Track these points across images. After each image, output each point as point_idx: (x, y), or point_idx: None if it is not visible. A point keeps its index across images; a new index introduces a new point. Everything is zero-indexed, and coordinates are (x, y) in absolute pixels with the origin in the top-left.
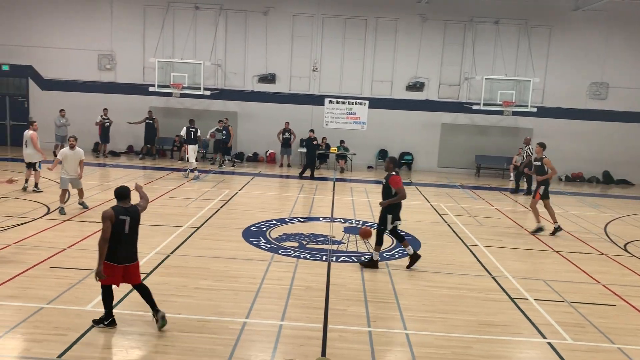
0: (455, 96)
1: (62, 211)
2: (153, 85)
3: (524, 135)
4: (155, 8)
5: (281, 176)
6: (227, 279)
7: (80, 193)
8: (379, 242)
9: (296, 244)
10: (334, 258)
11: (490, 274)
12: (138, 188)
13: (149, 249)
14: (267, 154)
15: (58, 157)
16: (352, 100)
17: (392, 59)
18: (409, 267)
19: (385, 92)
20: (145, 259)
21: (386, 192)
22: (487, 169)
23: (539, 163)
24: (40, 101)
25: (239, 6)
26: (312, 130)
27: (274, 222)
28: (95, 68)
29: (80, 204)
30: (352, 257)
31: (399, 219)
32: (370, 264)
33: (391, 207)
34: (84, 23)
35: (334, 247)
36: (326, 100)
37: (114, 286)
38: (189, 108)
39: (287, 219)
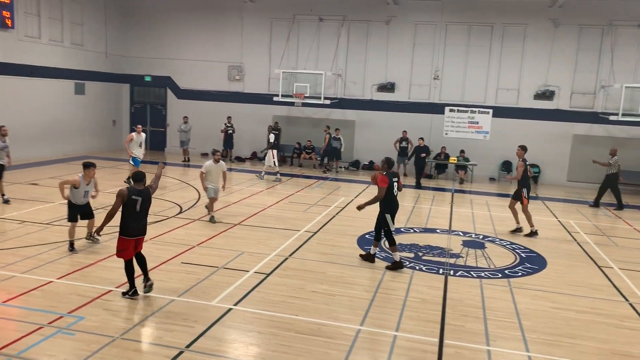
0: (589, 105)
1: (212, 219)
2: (277, 95)
3: None
4: (281, 21)
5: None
6: (342, 284)
7: (211, 205)
8: (392, 242)
9: (412, 255)
10: (452, 272)
11: (627, 300)
12: (160, 167)
13: (269, 250)
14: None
15: (202, 170)
16: (474, 109)
17: (519, 66)
18: (388, 267)
19: (511, 100)
20: (266, 260)
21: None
22: (624, 184)
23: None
24: (175, 109)
25: (362, 17)
26: (421, 138)
27: None
28: (225, 78)
29: (210, 218)
30: (471, 272)
31: (381, 219)
32: (367, 256)
33: (386, 206)
34: (217, 37)
35: (452, 260)
36: (447, 108)
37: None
38: (309, 117)
39: (402, 229)
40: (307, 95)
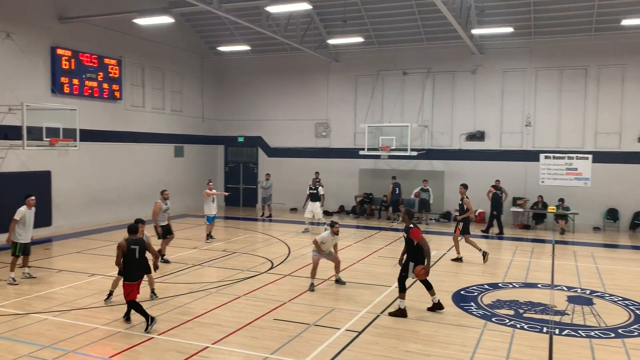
0: None
1: (311, 287)
2: (363, 149)
3: None
4: (366, 77)
5: (492, 237)
6: (437, 344)
7: (337, 266)
8: (402, 289)
9: (512, 312)
10: (557, 330)
11: None
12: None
13: (360, 306)
14: (476, 213)
15: (318, 239)
16: (571, 155)
17: (619, 109)
18: (429, 309)
19: (613, 144)
20: (357, 317)
21: (409, 245)
22: None
23: (461, 202)
24: (266, 166)
25: (447, 68)
26: (497, 180)
27: (486, 286)
28: (312, 135)
29: (336, 280)
30: (579, 331)
31: (405, 265)
32: (398, 312)
33: (413, 256)
34: (304, 97)
35: (556, 318)
36: (541, 155)
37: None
38: (395, 169)
39: (500, 284)
40: (393, 147)
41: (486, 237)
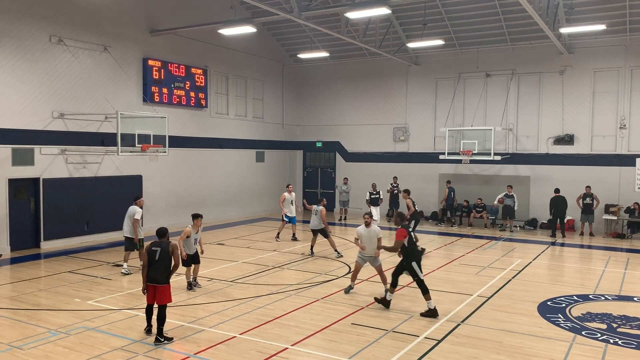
0: None
1: (347, 289)
2: (443, 153)
3: None
4: (446, 80)
5: (582, 246)
6: (522, 356)
7: (382, 277)
8: (424, 290)
9: (604, 326)
10: None
11: None
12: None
13: (440, 315)
14: (566, 220)
15: (355, 235)
16: None
17: None
18: (376, 298)
19: None
20: (436, 325)
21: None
22: None
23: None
24: (343, 171)
25: (532, 69)
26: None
27: (575, 298)
28: (390, 140)
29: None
30: None
31: (408, 269)
32: (382, 300)
33: (408, 256)
34: (382, 101)
35: None
36: (638, 160)
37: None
38: (477, 174)
39: (591, 296)
40: (475, 151)
41: (553, 243)
